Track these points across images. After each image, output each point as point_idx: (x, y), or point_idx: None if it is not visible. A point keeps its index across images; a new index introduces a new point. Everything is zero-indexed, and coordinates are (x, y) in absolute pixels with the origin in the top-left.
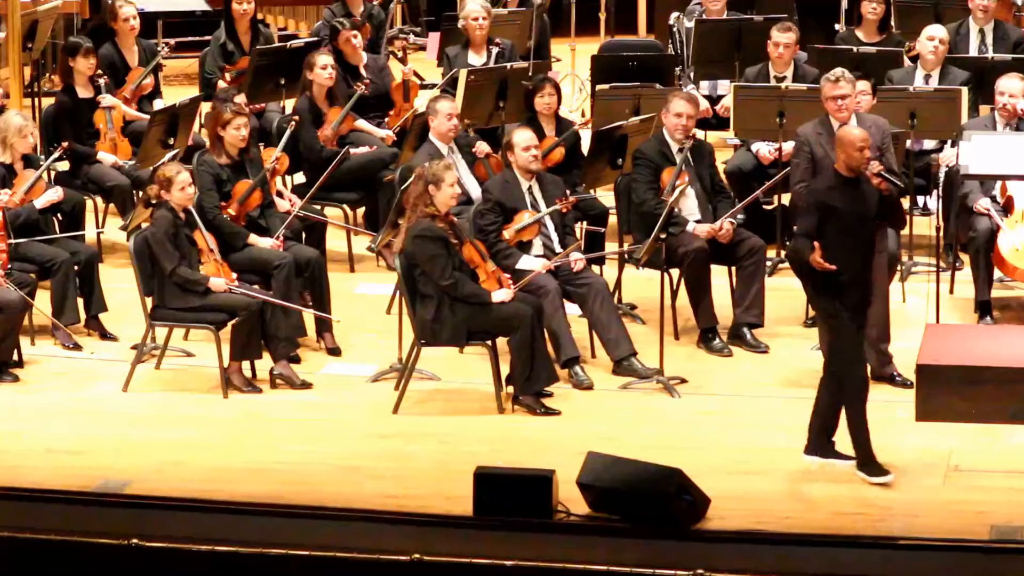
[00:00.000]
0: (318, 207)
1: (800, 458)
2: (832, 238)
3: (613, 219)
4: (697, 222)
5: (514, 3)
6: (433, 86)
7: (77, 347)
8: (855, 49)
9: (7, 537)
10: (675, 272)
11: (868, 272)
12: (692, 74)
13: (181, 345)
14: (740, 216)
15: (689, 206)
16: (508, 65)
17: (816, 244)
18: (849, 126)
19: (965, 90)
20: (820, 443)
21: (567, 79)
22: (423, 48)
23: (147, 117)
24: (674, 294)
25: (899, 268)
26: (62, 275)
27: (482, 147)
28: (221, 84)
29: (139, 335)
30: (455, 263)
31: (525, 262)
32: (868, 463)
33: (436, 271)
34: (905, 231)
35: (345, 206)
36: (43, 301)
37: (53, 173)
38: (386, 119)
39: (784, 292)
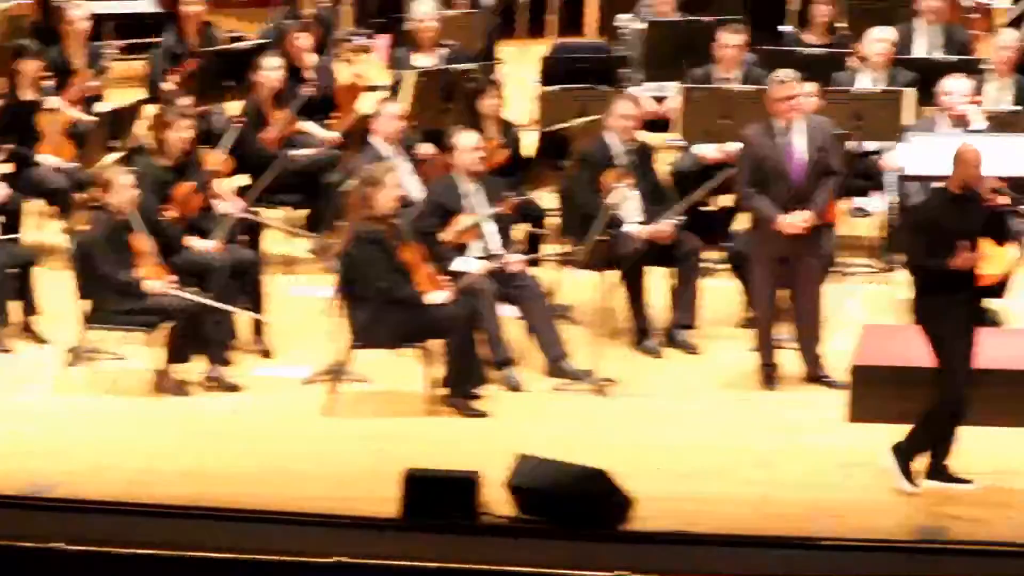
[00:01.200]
0: (257, 209)
1: (722, 457)
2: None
3: (554, 220)
4: (638, 224)
5: (464, 5)
6: (378, 88)
7: (5, 350)
8: (802, 51)
9: None
10: (612, 273)
11: (975, 293)
12: (639, 75)
13: (115, 348)
14: (681, 218)
15: (630, 208)
16: (454, 67)
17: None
18: (968, 144)
19: (910, 92)
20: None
21: (512, 81)
22: (371, 50)
23: (91, 119)
24: (610, 295)
25: (836, 270)
26: None
27: (425, 149)
28: (168, 86)
29: (74, 338)
30: (394, 265)
31: (463, 264)
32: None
33: (374, 274)
34: (844, 231)
35: (287, 208)
36: None
37: None
38: (331, 121)
39: (719, 294)
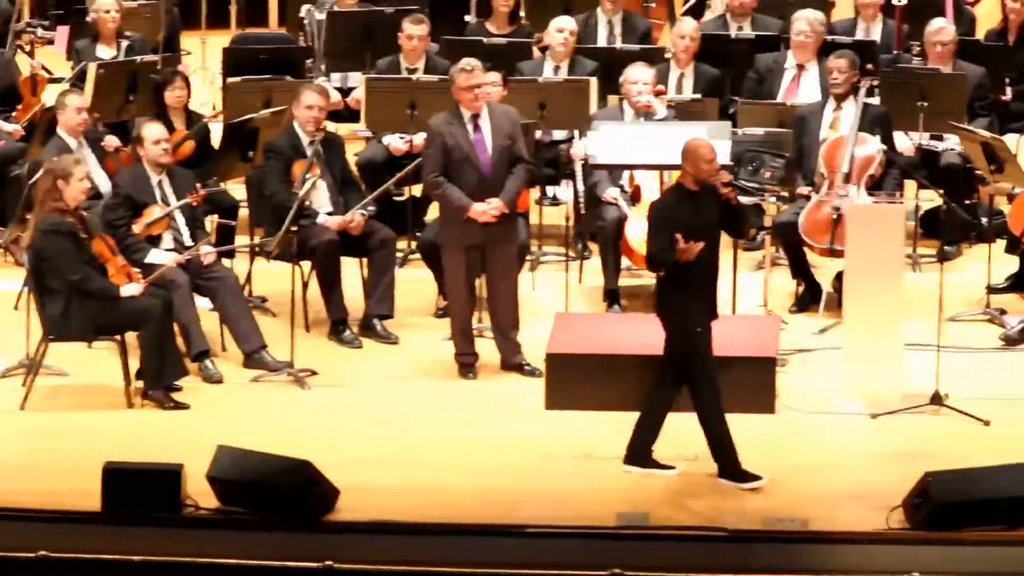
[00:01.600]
0: None
1: (424, 447)
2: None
3: (244, 212)
4: (328, 214)
5: None
6: (62, 80)
7: None
8: (485, 41)
9: None
10: (306, 264)
11: (714, 284)
12: (323, 66)
13: None
14: (371, 208)
15: (320, 198)
16: (138, 59)
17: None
18: (696, 138)
19: (594, 80)
20: (643, 453)
21: (197, 72)
22: (51, 42)
23: None
24: (305, 286)
25: (529, 258)
26: None
27: (111, 141)
28: None
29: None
30: (84, 258)
31: (155, 256)
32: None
33: (64, 266)
34: (535, 220)
35: None
36: None
37: None
38: (13, 114)
39: (414, 283)
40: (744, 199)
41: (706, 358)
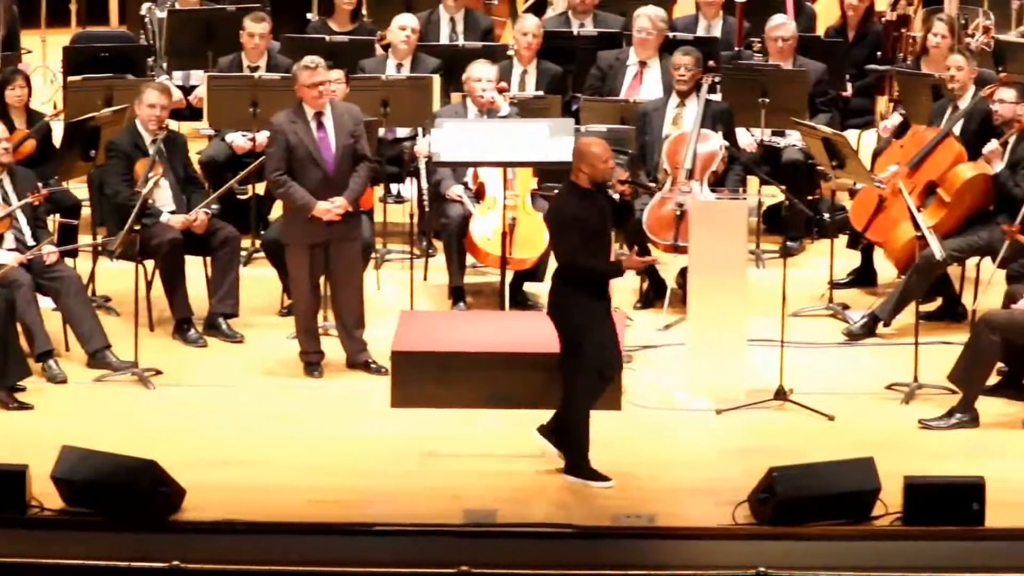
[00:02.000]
0: None
1: (270, 446)
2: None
3: (87, 211)
4: (171, 213)
5: None
6: None
7: None
8: (327, 38)
9: None
10: (149, 263)
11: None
12: (165, 65)
13: None
14: (215, 206)
15: (163, 197)
16: None
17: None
18: (588, 139)
19: (436, 78)
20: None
21: (38, 71)
22: None
23: None
24: (148, 285)
25: (373, 256)
26: None
27: None
28: None
29: None
30: None
31: None
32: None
33: None
34: (379, 218)
35: None
36: None
37: None
38: None
39: (259, 282)
40: None
41: (591, 358)
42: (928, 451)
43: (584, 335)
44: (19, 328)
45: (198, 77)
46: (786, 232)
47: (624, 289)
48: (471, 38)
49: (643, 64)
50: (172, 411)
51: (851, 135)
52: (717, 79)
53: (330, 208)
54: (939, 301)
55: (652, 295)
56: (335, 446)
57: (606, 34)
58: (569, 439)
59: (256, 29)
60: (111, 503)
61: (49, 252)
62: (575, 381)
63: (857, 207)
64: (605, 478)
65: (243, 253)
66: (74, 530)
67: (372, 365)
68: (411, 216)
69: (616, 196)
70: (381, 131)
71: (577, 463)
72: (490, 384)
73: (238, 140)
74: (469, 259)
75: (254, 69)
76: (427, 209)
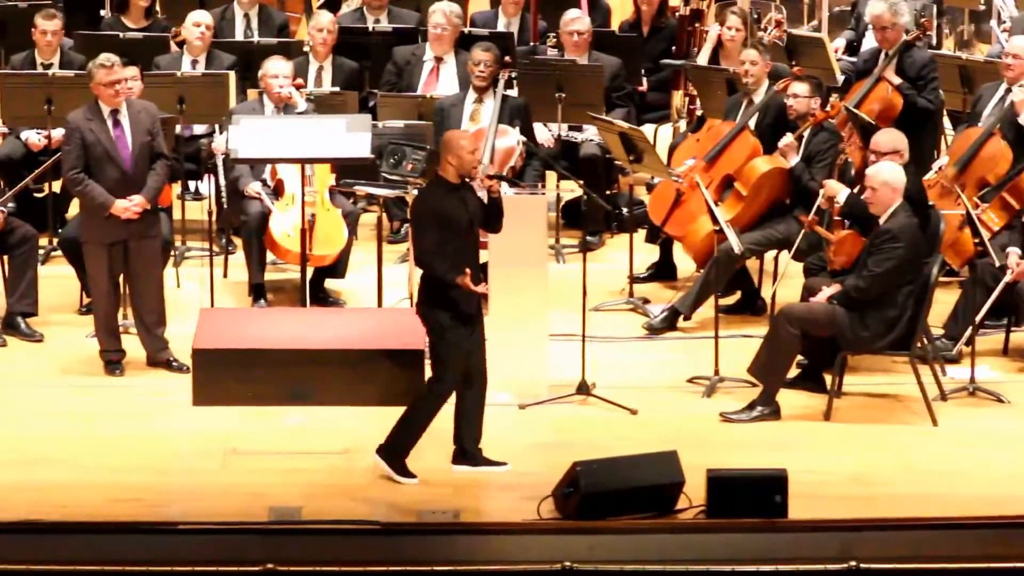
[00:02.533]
0: None
1: (69, 445)
2: (446, 247)
3: None
4: None
5: None
6: None
7: None
8: (121, 35)
9: None
10: None
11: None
12: None
13: None
14: (11, 205)
15: None
16: None
17: (467, 270)
18: (454, 132)
19: (232, 74)
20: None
21: None
22: None
23: None
24: None
25: (173, 253)
26: None
27: None
28: None
29: None
30: None
31: None
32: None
33: None
34: (177, 215)
35: None
36: None
37: None
38: None
39: (57, 280)
40: (387, 192)
41: (447, 359)
42: (730, 444)
43: (440, 336)
44: None
45: None
46: (585, 227)
47: None
48: (266, 34)
49: (439, 60)
50: None
51: (647, 130)
52: (514, 75)
53: (128, 206)
54: (738, 295)
55: None
56: (136, 445)
57: (401, 30)
58: (404, 427)
59: (47, 26)
60: None
61: None
62: (430, 382)
63: (655, 201)
64: (412, 475)
65: (41, 251)
66: None
67: (173, 363)
68: (210, 213)
69: (483, 195)
70: (178, 128)
71: (396, 452)
72: (292, 381)
73: (32, 138)
74: (269, 256)
75: (47, 66)
76: (225, 206)
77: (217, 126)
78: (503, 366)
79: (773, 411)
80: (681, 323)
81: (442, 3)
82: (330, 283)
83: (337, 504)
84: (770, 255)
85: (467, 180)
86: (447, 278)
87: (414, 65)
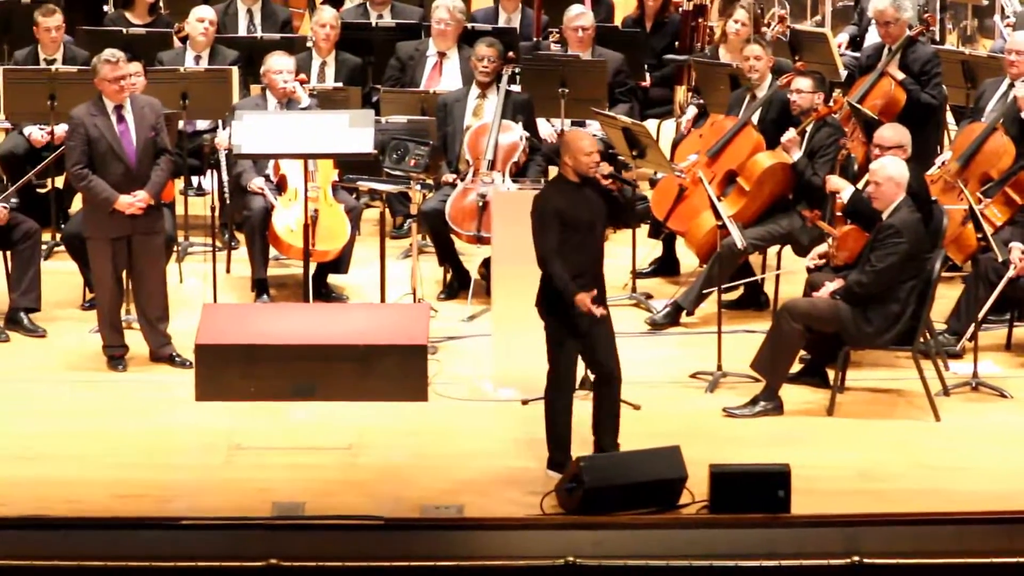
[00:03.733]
0: None
1: (74, 441)
2: (566, 247)
3: None
4: None
5: None
6: None
7: None
8: (125, 31)
9: None
10: None
11: (601, 280)
12: None
13: None
14: (14, 200)
15: None
16: None
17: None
18: (575, 130)
19: (235, 70)
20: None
21: None
22: None
23: None
24: None
25: (176, 249)
26: None
27: None
28: None
29: None
30: None
31: None
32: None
33: None
34: (180, 211)
35: None
36: None
37: None
38: None
39: (60, 276)
40: (390, 187)
41: (558, 358)
42: (733, 439)
43: (558, 343)
44: None
45: None
46: None
47: (427, 280)
48: (269, 30)
49: (442, 55)
50: None
51: (651, 125)
52: (517, 70)
53: (132, 202)
54: (741, 290)
55: (456, 286)
56: (140, 440)
57: (404, 25)
58: (547, 428)
59: (48, 23)
60: None
61: None
62: (549, 376)
63: (658, 197)
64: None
65: (44, 247)
66: None
67: (176, 358)
68: (213, 209)
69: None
70: (181, 124)
71: (552, 455)
72: (295, 376)
73: (35, 133)
74: (272, 251)
75: (50, 62)
76: (228, 202)
77: (220, 121)
78: (506, 361)
79: (776, 406)
80: (684, 318)
81: None
82: (333, 278)
83: (341, 500)
84: (773, 250)
85: (589, 179)
86: (567, 290)
87: (417, 60)
